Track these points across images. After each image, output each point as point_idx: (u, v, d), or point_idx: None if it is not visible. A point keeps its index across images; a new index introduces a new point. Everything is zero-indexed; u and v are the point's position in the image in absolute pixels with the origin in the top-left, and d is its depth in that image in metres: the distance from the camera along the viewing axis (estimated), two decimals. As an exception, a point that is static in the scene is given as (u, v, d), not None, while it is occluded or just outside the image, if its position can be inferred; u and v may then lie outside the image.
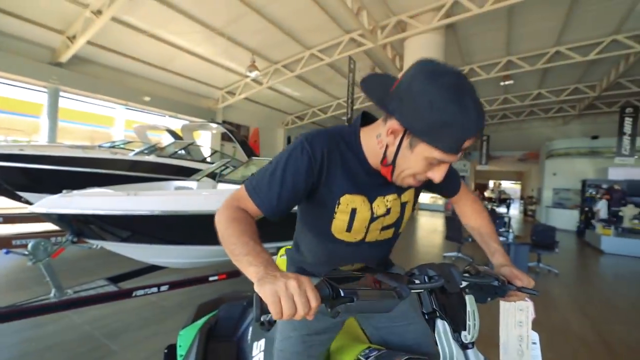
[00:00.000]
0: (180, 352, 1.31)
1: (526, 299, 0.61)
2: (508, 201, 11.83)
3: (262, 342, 1.16)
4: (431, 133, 0.63)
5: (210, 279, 3.04)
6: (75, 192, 2.55)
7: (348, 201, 0.78)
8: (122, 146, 6.45)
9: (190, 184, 3.60)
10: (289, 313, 0.49)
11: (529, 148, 15.91)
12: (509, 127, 17.83)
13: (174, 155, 5.27)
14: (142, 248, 2.85)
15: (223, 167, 4.09)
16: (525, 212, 17.04)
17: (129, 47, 7.86)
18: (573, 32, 8.08)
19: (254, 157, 4.37)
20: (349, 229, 0.80)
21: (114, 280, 2.73)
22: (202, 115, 10.22)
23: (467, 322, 0.54)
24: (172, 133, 6.94)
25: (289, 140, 14.84)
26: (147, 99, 9.08)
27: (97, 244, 2.81)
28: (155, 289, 2.65)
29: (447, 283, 0.58)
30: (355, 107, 10.02)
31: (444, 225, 6.47)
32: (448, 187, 0.98)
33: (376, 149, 0.75)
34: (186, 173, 4.79)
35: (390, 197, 0.83)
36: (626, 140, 10.48)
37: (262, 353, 1.12)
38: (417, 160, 0.68)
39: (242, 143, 5.75)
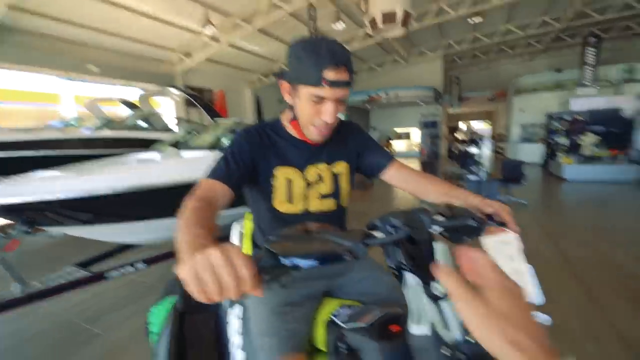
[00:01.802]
0: (152, 329, 1.26)
1: (507, 230, 0.57)
2: (479, 141, 12.19)
3: (239, 308, 1.11)
4: (298, 74, 0.80)
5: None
6: (16, 177, 2.30)
7: (281, 173, 0.92)
8: (73, 124, 5.90)
9: (153, 155, 3.35)
10: (214, 291, 0.41)
11: (498, 87, 16.07)
12: (478, 67, 17.82)
13: (132, 128, 4.88)
14: (108, 229, 2.70)
15: (188, 134, 3.84)
16: (495, 150, 17.69)
17: (61, 10, 6.87)
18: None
19: (218, 119, 4.11)
20: (289, 199, 0.92)
21: (84, 265, 2.60)
22: (160, 82, 9.43)
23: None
24: (128, 104, 6.38)
25: (257, 101, 14.20)
26: (93, 68, 8.20)
27: (56, 231, 2.63)
28: (130, 268, 2.56)
29: (415, 231, 0.52)
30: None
31: (420, 169, 6.57)
32: (372, 162, 1.02)
33: (290, 118, 0.92)
34: (149, 145, 4.47)
35: (321, 166, 0.96)
36: (588, 70, 10.74)
37: (240, 320, 1.08)
38: (304, 104, 0.83)
39: (205, 107, 5.39)
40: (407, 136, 18.39)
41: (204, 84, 11.56)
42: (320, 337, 0.76)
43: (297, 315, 0.81)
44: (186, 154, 3.22)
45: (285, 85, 0.86)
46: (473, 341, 0.46)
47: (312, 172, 0.94)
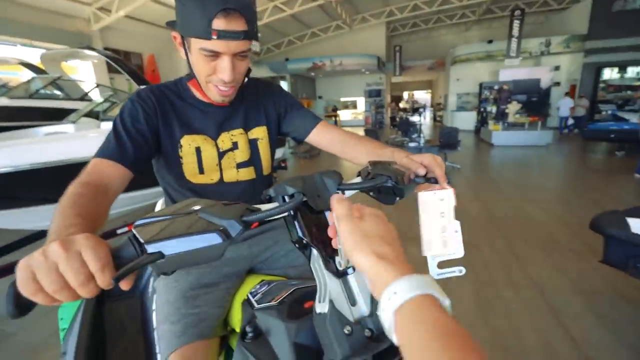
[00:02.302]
0: (62, 325, 1.09)
1: (446, 186, 0.55)
2: (420, 110, 12.79)
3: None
4: (187, 24, 0.66)
5: (119, 231, 2.70)
6: None
7: (189, 141, 0.79)
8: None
9: (65, 127, 2.88)
10: (53, 288, 0.32)
11: (437, 56, 16.73)
12: (418, 36, 18.30)
13: (36, 96, 4.11)
14: (15, 214, 2.31)
15: (107, 103, 3.35)
16: (434, 118, 18.77)
17: None
18: None
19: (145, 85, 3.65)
20: (200, 170, 0.81)
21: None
22: (71, 42, 8.05)
23: (338, 244, 0.40)
24: (31, 66, 5.37)
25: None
26: (-20, 22, 6.72)
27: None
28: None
29: (317, 199, 0.45)
30: (260, 23, 8.95)
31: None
32: (297, 125, 0.92)
33: (189, 77, 0.78)
34: (60, 117, 3.84)
35: (236, 132, 0.84)
36: (514, 42, 11.61)
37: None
38: (197, 59, 0.70)
39: (131, 73, 4.72)
40: (353, 105, 18.57)
41: (130, 47, 10.23)
42: (235, 319, 0.70)
43: (210, 298, 0.73)
44: (107, 125, 2.82)
45: (177, 38, 0.72)
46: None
47: (226, 139, 0.83)
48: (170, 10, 9.80)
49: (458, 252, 0.58)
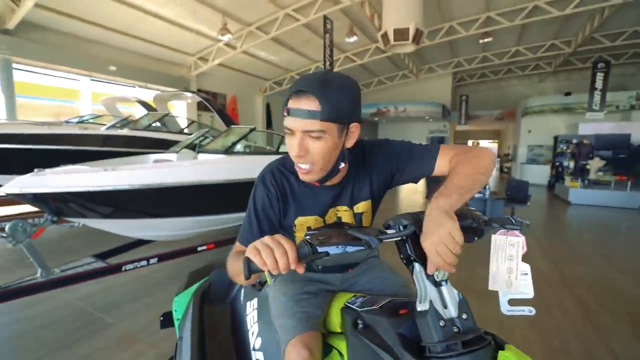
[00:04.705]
0: (177, 316, 1.37)
1: (517, 234, 0.64)
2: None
3: (255, 301, 1.22)
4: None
5: (199, 249, 3.08)
6: (48, 170, 2.44)
7: (302, 222, 0.89)
8: (91, 121, 6.10)
9: (170, 156, 3.50)
10: (270, 261, 0.55)
11: (506, 107, 16.21)
12: (487, 86, 18.00)
13: (148, 128, 5.05)
14: (126, 223, 2.82)
15: (202, 138, 3.99)
16: (501, 169, 17.73)
17: (87, 11, 7.17)
18: (551, -15, 7.98)
19: (233, 126, 4.26)
20: None
21: (102, 256, 2.72)
22: (175, 84, 9.70)
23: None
24: (144, 104, 6.59)
25: (267, 107, 14.44)
26: (112, 68, 8.48)
27: (78, 222, 2.76)
28: (144, 262, 2.67)
29: (420, 229, 0.63)
30: (337, 69, 9.76)
31: (425, 185, 6.66)
32: (415, 168, 0.89)
33: None
34: (163, 146, 4.62)
35: (341, 208, 0.91)
36: (597, 95, 10.81)
37: (256, 310, 1.19)
38: (286, 136, 0.78)
39: (219, 112, 5.56)
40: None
41: (217, 88, 11.84)
42: (335, 321, 0.87)
43: (313, 302, 0.91)
44: (202, 156, 3.36)
45: None
46: (465, 317, 0.58)
47: (332, 214, 0.91)
48: (253, 59, 11.29)
49: (527, 293, 0.65)
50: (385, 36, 7.74)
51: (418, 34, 7.65)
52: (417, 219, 0.64)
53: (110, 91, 8.91)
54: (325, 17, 7.78)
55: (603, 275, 3.34)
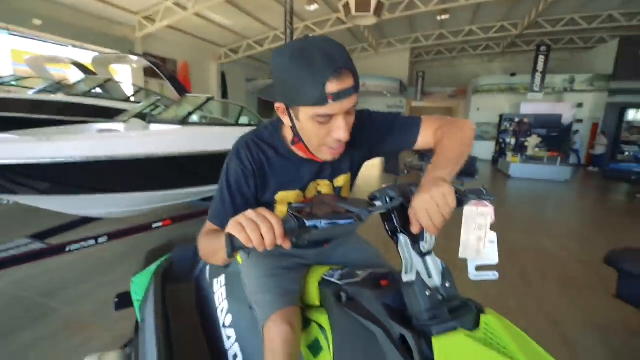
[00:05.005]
0: (136, 297, 1.28)
1: (487, 204, 0.67)
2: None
3: (222, 277, 1.18)
4: (295, 94, 0.66)
5: (154, 225, 2.91)
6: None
7: (283, 197, 0.84)
8: (13, 83, 5.28)
9: (116, 126, 3.16)
10: (255, 237, 0.52)
11: (459, 84, 16.96)
12: (442, 63, 18.62)
13: (88, 94, 4.49)
14: (68, 200, 2.54)
15: (153, 107, 3.65)
16: (451, 146, 18.78)
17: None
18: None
19: (187, 94, 3.94)
20: None
21: (40, 237, 2.44)
22: (117, 46, 8.67)
23: (424, 234, 0.61)
24: (81, 67, 5.82)
25: (222, 76, 13.60)
26: (37, 22, 7.30)
27: (7, 198, 2.43)
28: (92, 242, 2.46)
29: (407, 200, 0.63)
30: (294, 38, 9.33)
31: (381, 160, 6.86)
32: (397, 140, 0.88)
33: (292, 135, 0.78)
34: (106, 115, 4.15)
35: (322, 182, 0.87)
36: (538, 77, 11.73)
37: (224, 287, 1.15)
38: (309, 126, 0.70)
39: (171, 79, 5.09)
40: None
41: (166, 53, 10.83)
42: (313, 295, 0.86)
43: (290, 277, 0.89)
44: (154, 127, 3.09)
45: (279, 106, 0.74)
46: (447, 285, 0.60)
47: (312, 188, 0.86)
48: (207, 23, 10.44)
49: (493, 259, 0.69)
50: (347, 6, 7.55)
51: (379, 6, 7.57)
52: (403, 190, 0.64)
53: (37, 50, 7.71)
54: (285, -19, 7.31)
55: (535, 240, 3.78)
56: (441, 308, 0.57)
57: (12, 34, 7.26)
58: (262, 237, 0.52)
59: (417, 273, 0.60)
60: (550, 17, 11.57)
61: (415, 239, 0.62)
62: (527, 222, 4.71)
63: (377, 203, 0.62)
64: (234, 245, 0.52)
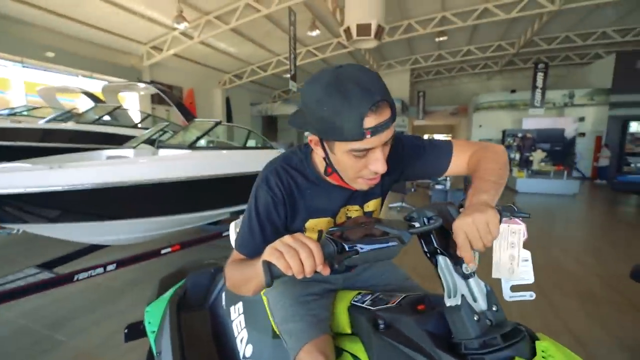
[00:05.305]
0: (151, 328, 1.23)
1: (519, 222, 0.64)
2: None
3: (240, 305, 1.13)
4: (331, 129, 0.63)
5: (163, 251, 2.86)
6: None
7: (313, 225, 0.81)
8: (25, 113, 5.41)
9: (126, 152, 3.19)
10: (295, 264, 0.50)
11: (459, 102, 17.19)
12: (442, 82, 18.97)
13: (97, 122, 4.58)
14: (76, 227, 2.53)
15: (161, 132, 3.70)
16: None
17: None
18: (499, -11, 8.56)
19: (195, 119, 4.01)
20: None
21: (48, 266, 2.41)
22: (125, 75, 8.95)
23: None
24: (91, 96, 5.97)
25: (227, 101, 13.90)
26: (50, 54, 7.59)
27: (17, 228, 2.41)
28: (100, 270, 2.41)
29: (445, 221, 0.60)
30: (298, 64, 9.63)
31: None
32: (427, 165, 0.87)
33: (323, 164, 0.76)
34: (115, 142, 4.21)
35: (352, 208, 0.85)
36: (538, 93, 11.88)
37: (242, 315, 1.10)
38: (345, 159, 0.67)
39: (178, 105, 5.21)
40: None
41: (172, 80, 11.15)
42: (344, 322, 0.82)
43: (320, 304, 0.85)
44: (163, 152, 3.11)
45: (312, 139, 0.71)
46: (495, 309, 0.56)
47: (342, 214, 0.84)
48: (212, 50, 10.78)
49: (528, 278, 0.65)
50: (348, 31, 7.77)
51: (380, 30, 7.78)
52: (441, 210, 0.61)
53: (48, 81, 7.96)
54: (290, 9, 7.61)
55: (550, 255, 3.67)
56: (494, 334, 0.53)
57: (26, 67, 7.53)
58: (302, 263, 0.49)
59: (463, 296, 0.57)
60: (546, 36, 11.87)
61: (457, 261, 0.59)
62: (540, 236, 4.60)
63: (416, 224, 0.60)
64: (272, 273, 0.49)
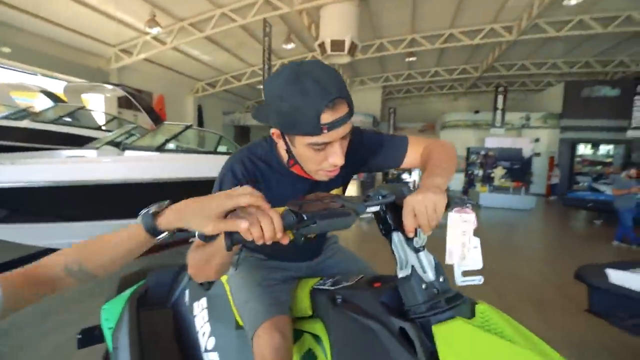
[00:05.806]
0: (108, 324, 1.18)
1: (469, 211, 0.69)
2: (411, 168, 13.53)
3: (204, 300, 1.12)
4: (290, 124, 0.66)
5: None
6: None
7: None
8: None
9: (87, 152, 3.04)
10: (255, 230, 0.50)
11: (427, 120, 18.02)
12: (412, 101, 19.85)
13: (57, 122, 4.33)
14: (30, 229, 2.36)
15: (127, 134, 3.57)
16: (423, 177, 19.56)
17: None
18: (463, 18, 9.24)
19: (165, 122, 3.91)
20: None
21: (-8, 270, 2.21)
22: (91, 77, 8.55)
23: (417, 229, 0.62)
24: (51, 95, 5.65)
25: (199, 110, 13.65)
26: (6, 49, 7.14)
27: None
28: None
29: (399, 199, 0.65)
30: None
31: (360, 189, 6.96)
32: (385, 158, 0.91)
33: (287, 156, 0.78)
34: (75, 143, 4.00)
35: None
36: (498, 114, 12.78)
37: (206, 310, 1.09)
38: (305, 152, 0.70)
39: (147, 109, 5.06)
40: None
41: (142, 85, 10.80)
42: (305, 306, 0.84)
43: (280, 288, 0.87)
44: (129, 153, 3.00)
45: (274, 132, 0.74)
46: (441, 280, 0.61)
47: None
48: (185, 57, 10.63)
49: (477, 264, 0.71)
50: (322, 46, 8.02)
51: (353, 47, 8.09)
52: (395, 190, 0.66)
53: (2, 78, 7.45)
54: (265, 20, 7.73)
55: (509, 265, 3.89)
56: (438, 299, 0.59)
57: (-22, 62, 7.02)
58: (262, 230, 0.51)
59: (413, 268, 0.62)
60: (505, 62, 12.91)
61: (409, 237, 0.64)
62: (499, 248, 4.87)
63: (372, 201, 0.64)
64: (232, 239, 0.50)
